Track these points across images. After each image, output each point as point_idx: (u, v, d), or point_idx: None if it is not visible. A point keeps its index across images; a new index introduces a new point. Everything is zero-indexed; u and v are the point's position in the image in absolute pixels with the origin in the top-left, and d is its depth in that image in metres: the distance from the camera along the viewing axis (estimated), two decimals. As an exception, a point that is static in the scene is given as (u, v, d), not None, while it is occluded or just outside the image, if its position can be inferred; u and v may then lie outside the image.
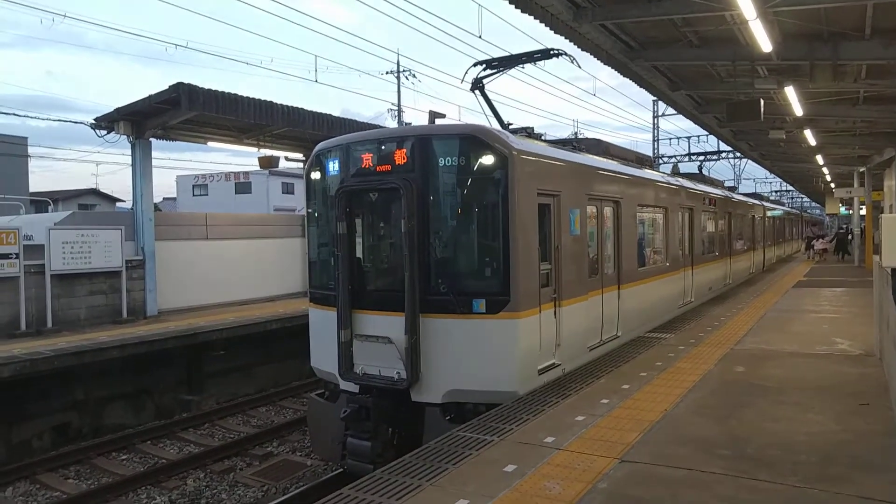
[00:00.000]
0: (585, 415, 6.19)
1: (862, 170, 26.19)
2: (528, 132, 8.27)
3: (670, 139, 44.63)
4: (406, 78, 30.67)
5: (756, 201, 24.90)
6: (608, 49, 11.41)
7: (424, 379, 6.81)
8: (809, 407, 6.33)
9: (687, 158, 28.98)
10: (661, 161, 35.46)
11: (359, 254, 7.60)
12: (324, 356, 7.77)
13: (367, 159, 7.28)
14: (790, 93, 12.80)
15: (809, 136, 19.02)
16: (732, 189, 22.92)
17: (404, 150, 7.02)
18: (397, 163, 7.03)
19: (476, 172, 6.83)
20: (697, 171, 19.64)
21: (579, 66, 9.29)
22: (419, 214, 6.78)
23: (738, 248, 19.06)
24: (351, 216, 7.37)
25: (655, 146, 38.07)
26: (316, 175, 8.03)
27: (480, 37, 14.08)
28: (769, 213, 27.25)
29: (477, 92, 8.68)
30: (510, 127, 8.32)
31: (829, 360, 8.52)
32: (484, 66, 8.78)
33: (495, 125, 8.25)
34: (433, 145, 6.99)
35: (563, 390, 7.08)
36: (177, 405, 12.05)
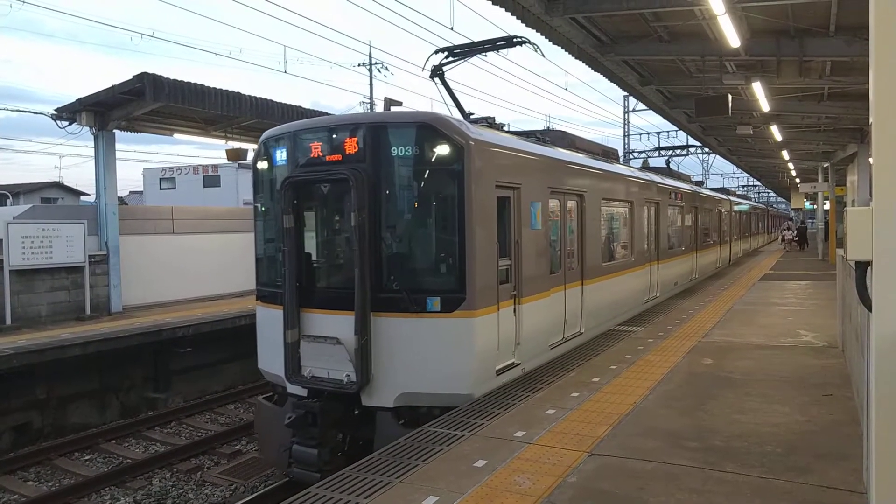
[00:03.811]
0: (556, 408, 6.20)
1: (826, 165, 26.75)
2: (489, 122, 8.01)
3: (641, 134, 45.20)
4: (378, 70, 30.36)
5: (723, 196, 25.13)
6: (579, 43, 11.43)
7: (376, 382, 6.50)
8: (775, 398, 6.42)
9: (657, 153, 29.25)
10: (631, 156, 35.78)
11: (308, 249, 7.25)
12: (271, 357, 7.35)
13: (317, 148, 6.94)
14: (757, 88, 12.99)
15: (776, 132, 19.35)
16: (699, 184, 23.08)
17: (356, 139, 6.69)
18: (348, 152, 6.69)
19: (431, 163, 6.53)
20: (665, 166, 19.77)
21: (543, 55, 9.13)
22: (370, 207, 6.45)
23: (704, 243, 19.16)
24: (299, 209, 7.01)
25: (626, 141, 38.41)
26: (263, 165, 7.62)
27: (452, 28, 14.08)
28: (736, 208, 27.59)
29: (437, 80, 8.38)
30: (471, 116, 8.05)
31: (793, 351, 8.68)
32: (446, 53, 8.47)
33: (456, 114, 8.02)
34: (386, 134, 6.69)
35: (534, 384, 7.08)
36: (142, 403, 11.79)
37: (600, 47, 11.84)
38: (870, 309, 2.95)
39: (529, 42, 8.47)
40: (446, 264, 6.61)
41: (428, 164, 6.54)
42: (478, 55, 8.69)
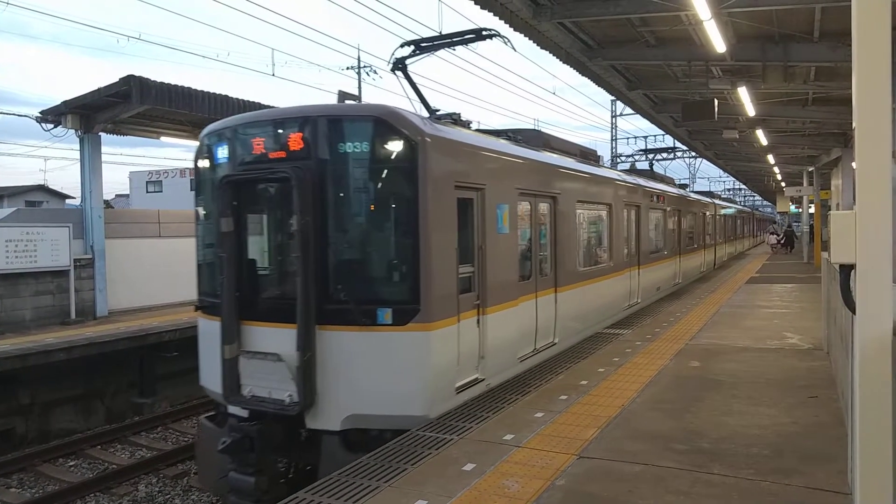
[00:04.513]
0: (544, 411, 6.21)
1: (811, 169, 27.05)
2: (454, 118, 7.45)
3: (628, 138, 45.40)
4: (367, 73, 30.22)
5: (708, 199, 24.96)
6: (567, 48, 11.49)
7: (321, 402, 5.87)
8: (761, 400, 6.47)
9: (643, 157, 29.41)
10: (619, 160, 35.95)
11: (250, 255, 6.69)
12: (213, 374, 6.64)
13: (259, 144, 6.36)
14: (743, 93, 13.11)
15: (761, 136, 19.55)
16: (684, 187, 22.93)
17: (300, 134, 6.12)
18: (292, 148, 6.11)
19: (381, 160, 6.02)
20: (648, 168, 19.64)
21: (514, 49, 8.56)
22: (315, 210, 5.88)
23: (688, 247, 18.79)
24: (239, 211, 6.37)
25: (614, 145, 38.63)
26: (204, 164, 7.00)
27: (440, 33, 14.09)
28: (721, 211, 27.52)
29: (399, 73, 7.86)
30: (437, 112, 7.61)
31: (779, 354, 8.75)
32: (413, 46, 7.97)
33: (422, 110, 7.52)
34: (332, 128, 6.13)
35: (523, 387, 7.09)
36: (128, 408, 11.69)
37: (588, 52, 11.90)
38: (854, 311, 2.99)
39: (499, 35, 7.98)
40: (399, 272, 6.09)
41: (378, 162, 6.05)
42: (446, 49, 8.21)
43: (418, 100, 7.92)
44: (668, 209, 16.24)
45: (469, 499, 4.31)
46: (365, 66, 30.53)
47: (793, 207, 42.37)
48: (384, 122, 5.96)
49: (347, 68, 31.21)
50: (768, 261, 29.76)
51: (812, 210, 28.79)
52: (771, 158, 27.16)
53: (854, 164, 2.96)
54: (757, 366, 8.02)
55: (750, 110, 14.38)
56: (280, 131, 6.30)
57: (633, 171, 17.11)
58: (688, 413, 6.10)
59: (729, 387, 7.04)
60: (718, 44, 9.95)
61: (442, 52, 8.33)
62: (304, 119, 6.25)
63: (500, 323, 7.09)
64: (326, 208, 6.01)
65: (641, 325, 11.33)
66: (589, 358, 8.58)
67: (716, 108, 12.27)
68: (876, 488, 2.84)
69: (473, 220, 6.77)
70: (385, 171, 6.13)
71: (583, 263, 10.17)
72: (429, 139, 5.99)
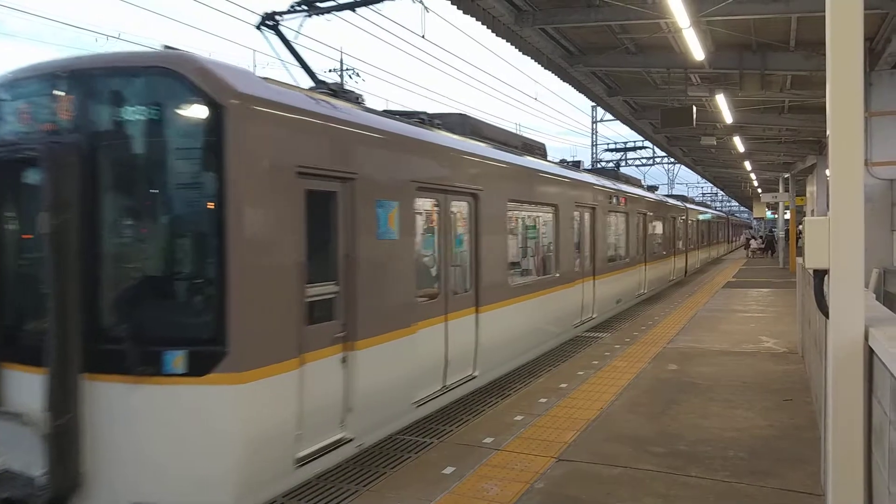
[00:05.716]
0: (524, 414, 6.23)
1: (786, 176, 27.51)
2: (334, 90, 5.92)
3: (609, 144, 45.83)
4: (349, 76, 30.09)
5: (680, 203, 23.92)
6: (549, 53, 11.57)
7: (91, 485, 4.12)
8: (738, 403, 6.55)
9: (623, 159, 29.63)
10: (599, 164, 36.20)
11: (22, 269, 4.80)
12: None
13: (26, 112, 4.58)
14: (721, 100, 13.31)
15: (738, 143, 19.85)
16: (653, 189, 21.10)
17: (71, 97, 4.38)
18: (62, 117, 4.38)
19: (172, 132, 4.30)
20: (614, 168, 18.37)
21: (426, 9, 7.26)
22: (83, 205, 4.16)
23: (655, 254, 17.48)
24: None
25: (594, 150, 38.95)
26: None
27: (423, 36, 14.09)
28: (694, 217, 26.66)
29: (267, 30, 6.19)
30: (328, 84, 6.19)
31: (755, 357, 8.87)
32: (306, 5, 6.40)
33: (306, 79, 6.16)
34: (105, 87, 4.40)
35: (503, 390, 7.11)
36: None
37: (569, 58, 12.00)
38: (827, 316, 3.04)
39: None
40: (199, 297, 4.37)
41: (168, 134, 4.31)
42: (350, 9, 6.91)
43: (298, 64, 6.47)
44: (632, 212, 14.77)
45: (448, 502, 4.32)
46: (348, 69, 30.47)
47: (769, 213, 43.08)
48: (175, 76, 4.21)
49: (329, 70, 31.10)
50: (745, 266, 30.16)
51: (788, 216, 29.25)
52: (748, 165, 27.60)
53: (828, 172, 3.02)
54: (733, 369, 8.12)
55: (727, 117, 14.60)
56: (53, 92, 4.48)
57: (592, 170, 15.82)
58: (665, 416, 6.16)
59: (706, 390, 7.12)
60: (697, 52, 10.10)
61: (431, 58, 8.05)
62: (73, 74, 4.46)
63: (381, 359, 5.44)
64: (98, 203, 4.28)
65: (620, 328, 11.42)
66: (568, 361, 8.63)
67: (694, 115, 12.42)
68: (847, 489, 2.89)
69: (336, 220, 5.11)
70: (178, 148, 4.32)
71: (517, 275, 8.81)
72: (247, 103, 4.30)
